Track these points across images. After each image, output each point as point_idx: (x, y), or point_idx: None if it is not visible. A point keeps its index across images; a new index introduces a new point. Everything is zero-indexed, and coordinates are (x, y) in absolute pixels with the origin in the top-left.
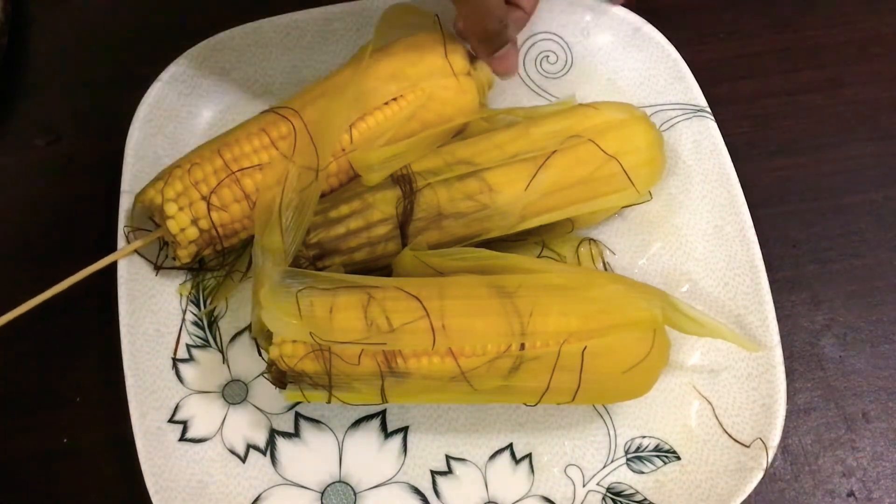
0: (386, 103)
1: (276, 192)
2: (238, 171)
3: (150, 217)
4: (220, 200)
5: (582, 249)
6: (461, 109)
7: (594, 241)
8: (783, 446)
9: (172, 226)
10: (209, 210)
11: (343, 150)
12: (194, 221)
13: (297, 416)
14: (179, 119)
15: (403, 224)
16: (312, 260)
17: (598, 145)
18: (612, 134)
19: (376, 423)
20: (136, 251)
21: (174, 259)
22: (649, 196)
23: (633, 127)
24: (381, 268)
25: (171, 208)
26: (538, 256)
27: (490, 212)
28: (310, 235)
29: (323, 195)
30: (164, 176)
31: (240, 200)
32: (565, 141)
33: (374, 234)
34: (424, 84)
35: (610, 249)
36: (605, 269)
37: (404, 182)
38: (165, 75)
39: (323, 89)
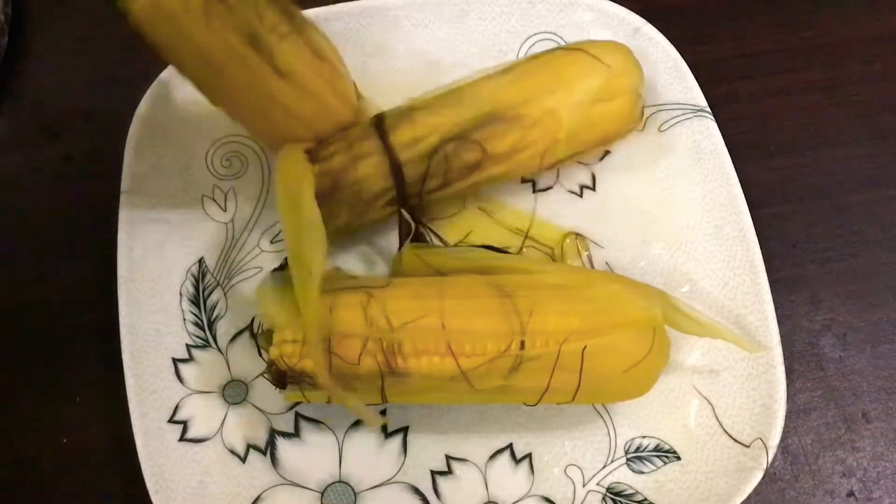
0: None
1: None
2: None
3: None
4: None
5: (567, 242)
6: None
7: (580, 235)
8: (783, 446)
9: None
10: None
11: None
12: None
13: (297, 416)
14: (180, 119)
15: (378, 125)
16: None
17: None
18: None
19: None
20: None
21: None
22: (641, 123)
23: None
24: (373, 209)
25: None
26: (522, 246)
27: (459, 96)
28: None
29: None
30: None
31: None
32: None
33: (357, 150)
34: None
35: (596, 243)
36: (591, 263)
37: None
38: (165, 75)
39: None
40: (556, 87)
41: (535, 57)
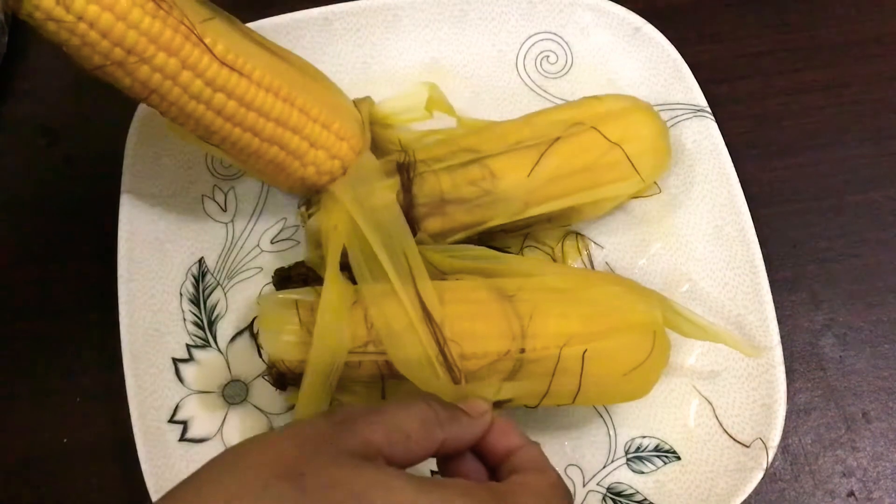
0: None
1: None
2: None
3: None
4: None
5: (568, 242)
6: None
7: (580, 235)
8: (783, 446)
9: None
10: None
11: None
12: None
13: None
14: None
15: (408, 209)
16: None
17: (601, 132)
18: (614, 122)
19: None
20: None
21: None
22: (657, 189)
23: (636, 115)
24: None
25: None
26: (523, 246)
27: (493, 197)
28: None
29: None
30: None
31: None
32: (568, 129)
33: None
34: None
35: (596, 243)
36: (591, 263)
37: (403, 169)
38: None
39: None
40: (590, 194)
41: (578, 139)
